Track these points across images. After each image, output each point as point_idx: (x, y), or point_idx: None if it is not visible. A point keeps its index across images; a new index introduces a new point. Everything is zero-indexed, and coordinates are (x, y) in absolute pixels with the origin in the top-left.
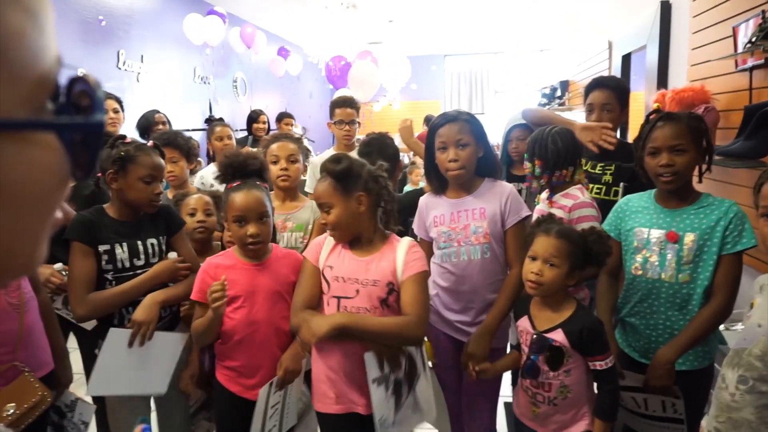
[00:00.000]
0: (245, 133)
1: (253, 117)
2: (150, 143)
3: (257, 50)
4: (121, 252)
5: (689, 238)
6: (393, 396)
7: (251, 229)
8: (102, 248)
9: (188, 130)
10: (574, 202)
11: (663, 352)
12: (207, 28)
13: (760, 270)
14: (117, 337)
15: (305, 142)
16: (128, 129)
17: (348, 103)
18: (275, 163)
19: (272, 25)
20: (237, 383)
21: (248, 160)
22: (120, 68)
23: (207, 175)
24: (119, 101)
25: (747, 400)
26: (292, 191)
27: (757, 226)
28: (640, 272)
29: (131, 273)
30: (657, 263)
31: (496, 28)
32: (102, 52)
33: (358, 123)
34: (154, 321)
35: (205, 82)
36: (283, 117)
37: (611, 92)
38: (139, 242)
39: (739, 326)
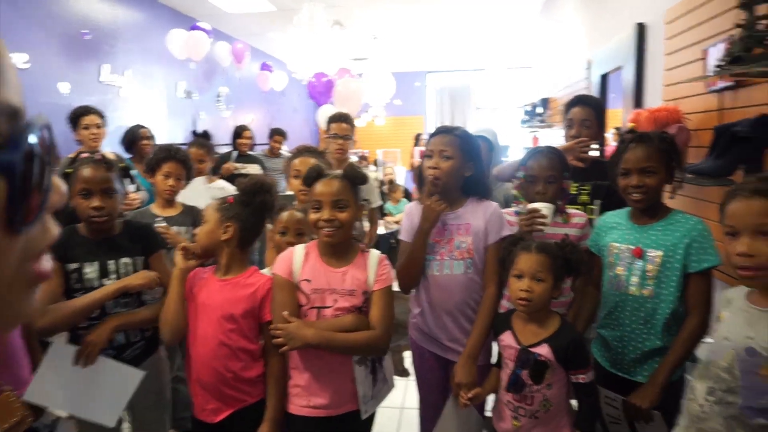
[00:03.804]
0: (230, 148)
1: (238, 132)
2: (98, 155)
3: (242, 65)
4: (91, 271)
5: (655, 254)
6: (371, 374)
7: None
8: (70, 267)
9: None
10: (581, 219)
11: (652, 378)
12: (191, 43)
13: (729, 283)
14: (60, 351)
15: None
16: (112, 144)
17: (344, 118)
18: (297, 177)
19: (256, 40)
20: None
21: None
22: (102, 82)
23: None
24: (102, 116)
25: (715, 411)
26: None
27: (722, 243)
28: (610, 286)
29: None
30: (624, 277)
31: (478, 46)
32: (84, 66)
33: (353, 140)
34: (101, 343)
35: (188, 97)
36: (273, 134)
37: (591, 110)
38: (111, 261)
39: (708, 339)
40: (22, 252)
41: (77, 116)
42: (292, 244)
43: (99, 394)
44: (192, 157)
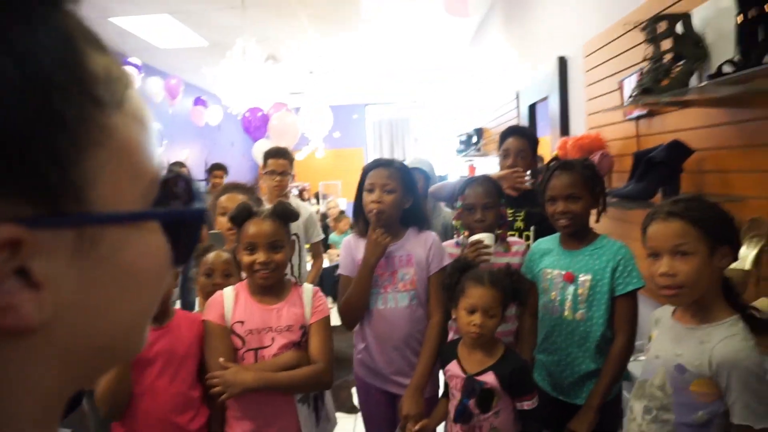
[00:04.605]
0: None
1: (171, 170)
2: None
3: (175, 101)
4: None
5: (584, 278)
6: (314, 412)
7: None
8: None
9: None
10: (520, 247)
11: (587, 402)
12: None
13: (659, 302)
14: None
15: None
16: None
17: (281, 153)
18: (224, 215)
19: (189, 75)
20: None
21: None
22: None
23: None
24: None
25: (652, 429)
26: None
27: (647, 263)
28: (545, 311)
29: None
30: (558, 302)
31: (413, 78)
32: None
33: (292, 175)
34: None
35: None
36: (213, 168)
37: (526, 141)
38: None
39: (642, 357)
40: None
41: None
42: (220, 286)
43: None
44: None
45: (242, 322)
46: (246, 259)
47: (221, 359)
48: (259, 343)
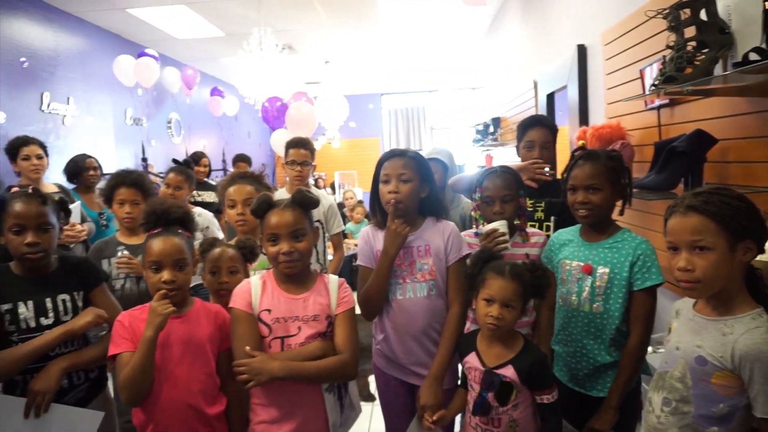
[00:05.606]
0: None
1: (195, 159)
2: (30, 189)
3: (192, 91)
4: (26, 311)
5: (603, 270)
6: (338, 401)
7: (166, 275)
8: (3, 308)
9: None
10: (539, 238)
11: (606, 400)
12: (140, 70)
13: (680, 294)
14: (8, 405)
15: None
16: (55, 174)
17: (302, 144)
18: (232, 207)
19: (206, 65)
20: None
21: (171, 208)
22: (44, 111)
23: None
24: (43, 146)
25: (671, 421)
26: (252, 235)
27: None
28: (562, 302)
29: (38, 333)
30: (575, 294)
31: (429, 67)
32: (24, 95)
33: (313, 165)
34: (51, 390)
35: (137, 124)
36: (237, 160)
37: (549, 131)
38: (48, 299)
39: (661, 349)
40: None
41: (16, 147)
42: (227, 284)
43: None
44: (171, 183)
45: (269, 311)
46: (270, 249)
47: (248, 348)
48: (285, 331)
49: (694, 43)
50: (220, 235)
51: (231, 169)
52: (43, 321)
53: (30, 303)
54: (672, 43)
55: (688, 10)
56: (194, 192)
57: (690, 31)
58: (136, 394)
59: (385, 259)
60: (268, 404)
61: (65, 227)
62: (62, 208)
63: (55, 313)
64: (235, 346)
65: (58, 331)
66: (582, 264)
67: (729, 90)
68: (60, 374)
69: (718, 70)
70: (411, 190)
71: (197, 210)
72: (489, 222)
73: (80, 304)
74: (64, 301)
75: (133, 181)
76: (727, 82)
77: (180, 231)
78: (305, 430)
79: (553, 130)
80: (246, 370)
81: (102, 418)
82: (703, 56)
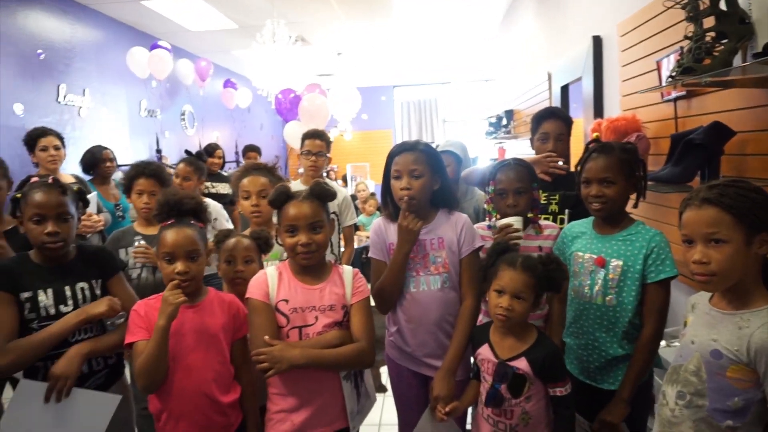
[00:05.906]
0: None
1: (209, 151)
2: (50, 179)
3: (205, 83)
4: (45, 299)
5: (616, 263)
6: (354, 389)
7: (179, 266)
8: (24, 296)
9: None
10: (553, 230)
11: (618, 393)
12: (154, 62)
13: (695, 288)
14: (30, 389)
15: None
16: (71, 165)
17: (318, 135)
18: (247, 198)
19: (219, 57)
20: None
21: (184, 199)
22: (60, 102)
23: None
24: (60, 137)
25: (685, 414)
26: (266, 226)
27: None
28: (574, 294)
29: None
30: (587, 286)
31: (442, 60)
32: (41, 87)
33: (328, 156)
34: (73, 375)
35: (152, 116)
36: (247, 150)
37: (563, 124)
38: (67, 287)
39: (676, 343)
40: None
41: (34, 138)
42: (242, 273)
43: (76, 427)
44: (179, 173)
45: (286, 301)
46: (288, 241)
47: (266, 337)
48: (302, 321)
49: (713, 34)
50: (229, 226)
51: (243, 161)
52: (63, 309)
53: (50, 291)
54: (690, 34)
55: (707, 0)
56: (208, 183)
57: (709, 22)
58: (151, 381)
59: (399, 255)
60: (286, 393)
61: (82, 217)
62: (81, 198)
63: (74, 300)
64: (253, 336)
65: (75, 317)
66: (595, 256)
67: (747, 81)
68: (81, 359)
69: (737, 61)
70: (423, 185)
71: (206, 201)
72: (502, 214)
73: (98, 292)
74: (82, 289)
75: (152, 172)
76: (747, 74)
77: (193, 222)
78: (323, 417)
79: (568, 122)
80: (266, 359)
81: (120, 401)
82: (722, 47)
